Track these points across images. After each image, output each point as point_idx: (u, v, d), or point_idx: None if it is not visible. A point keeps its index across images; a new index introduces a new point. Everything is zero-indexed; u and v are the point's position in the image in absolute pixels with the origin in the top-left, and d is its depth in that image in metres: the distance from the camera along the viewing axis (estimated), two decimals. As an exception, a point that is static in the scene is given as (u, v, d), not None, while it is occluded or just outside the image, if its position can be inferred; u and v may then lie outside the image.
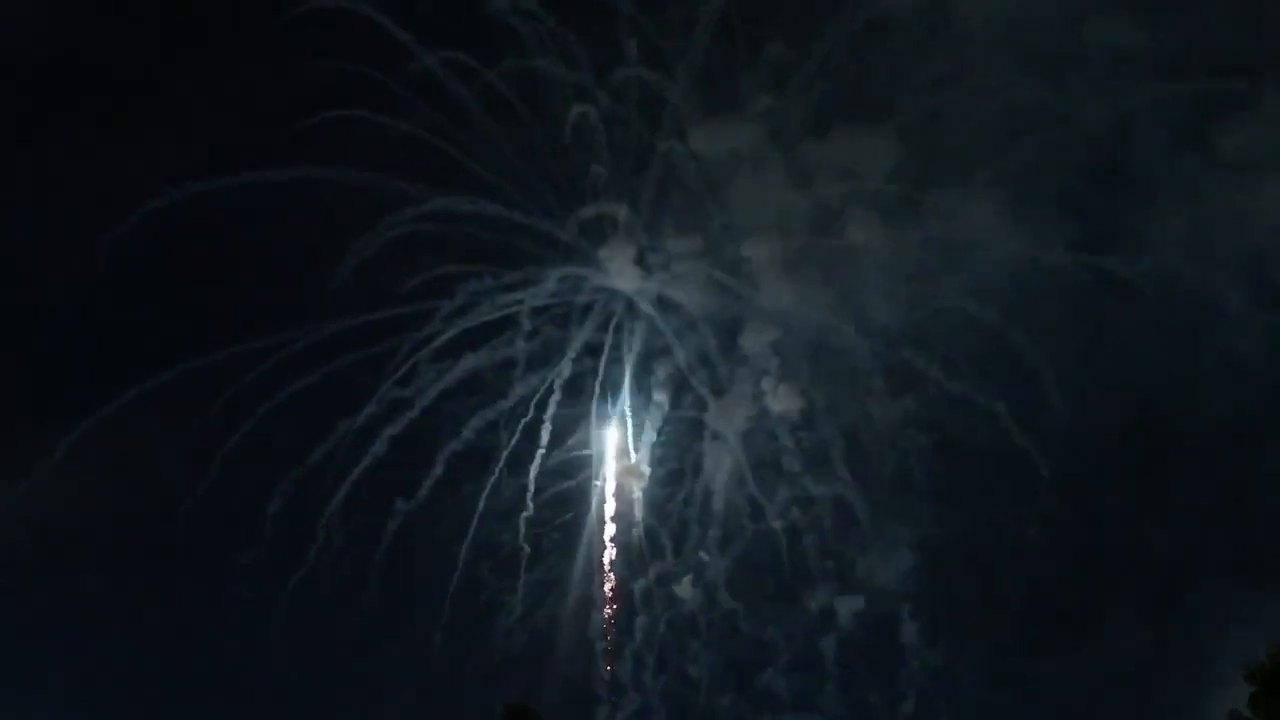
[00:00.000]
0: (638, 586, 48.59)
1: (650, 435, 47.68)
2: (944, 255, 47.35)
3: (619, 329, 47.89)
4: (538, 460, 47.58)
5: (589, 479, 48.45)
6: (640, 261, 47.31)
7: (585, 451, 48.32)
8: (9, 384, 46.28)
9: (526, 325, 46.95)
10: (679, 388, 48.09)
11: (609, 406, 47.78)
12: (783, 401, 47.41)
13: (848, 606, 48.89)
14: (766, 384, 47.44)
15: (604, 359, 47.75)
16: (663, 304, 47.93)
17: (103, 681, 47.67)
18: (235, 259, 45.86)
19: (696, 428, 48.47)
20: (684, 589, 48.37)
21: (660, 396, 47.59)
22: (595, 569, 48.73)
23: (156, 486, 46.61)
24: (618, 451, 47.98)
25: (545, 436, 47.49)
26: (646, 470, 47.92)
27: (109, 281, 44.82)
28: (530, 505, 47.73)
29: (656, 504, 48.70)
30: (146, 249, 45.12)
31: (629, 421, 47.85)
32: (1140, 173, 46.05)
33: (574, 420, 48.14)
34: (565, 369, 47.22)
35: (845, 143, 46.15)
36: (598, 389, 47.66)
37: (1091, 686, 48.47)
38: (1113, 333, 46.83)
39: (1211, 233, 45.05)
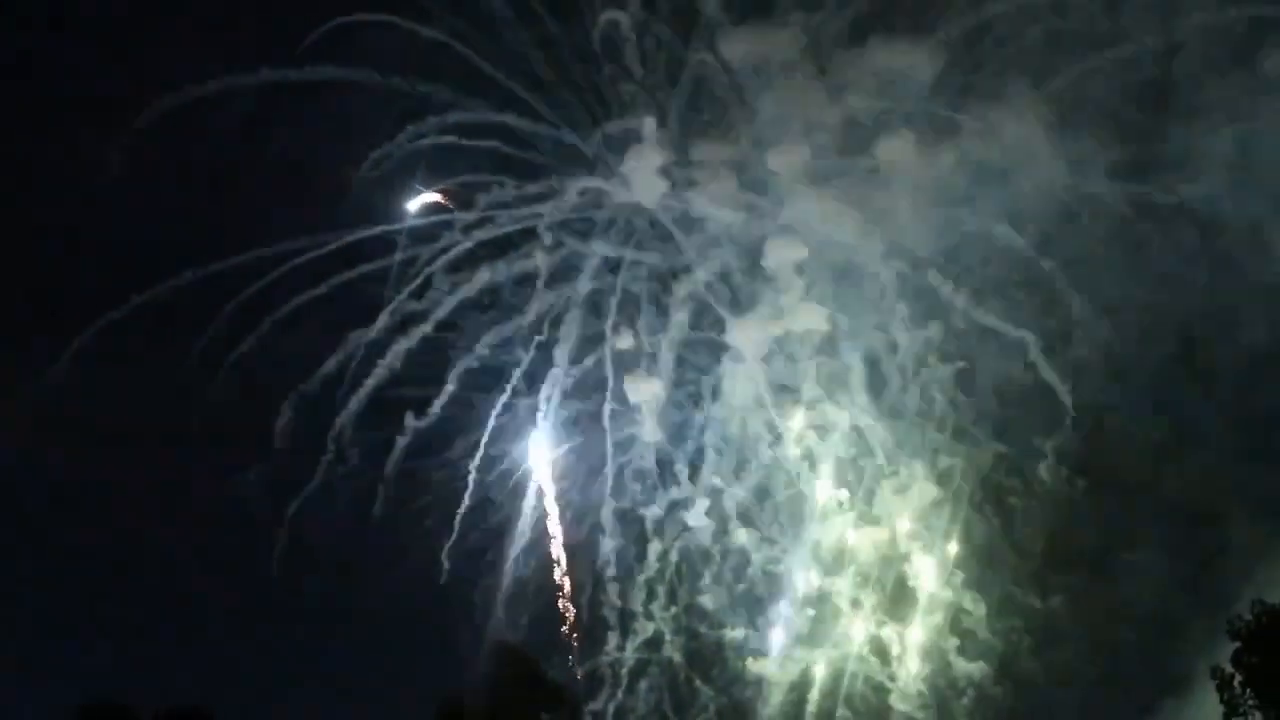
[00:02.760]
0: (649, 513, 47.67)
1: (668, 356, 46.35)
2: (978, 179, 45.67)
3: (640, 245, 46.51)
4: (552, 379, 46.57)
5: (603, 399, 47.31)
6: (665, 176, 45.57)
7: (602, 372, 47.13)
8: (15, 293, 45.18)
9: (546, 239, 45.70)
10: (699, 307, 46.82)
11: (627, 325, 46.32)
12: (804, 324, 46.06)
13: (862, 539, 48.15)
14: (788, 306, 45.98)
15: (623, 276, 46.41)
16: (686, 221, 46.50)
17: (104, 600, 47.17)
18: (250, 164, 44.38)
19: (716, 349, 47.34)
20: (697, 517, 47.49)
21: (680, 316, 46.29)
22: (606, 494, 47.79)
23: (163, 397, 45.77)
24: (635, 373, 46.52)
25: (562, 355, 46.40)
26: (663, 393, 46.66)
27: (121, 185, 43.43)
28: (543, 426, 47.01)
29: (672, 428, 47.72)
30: (160, 152, 43.87)
31: (646, 341, 46.40)
32: (1187, 96, 44.05)
33: (591, 339, 47.03)
34: (584, 285, 46.01)
35: (882, 57, 44.21)
36: (615, 307, 46.35)
37: (1108, 627, 47.73)
38: (1150, 262, 45.16)
39: (1258, 158, 43.18)
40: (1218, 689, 37.86)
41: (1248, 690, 37.87)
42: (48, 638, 46.82)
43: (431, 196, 45.38)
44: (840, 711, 47.76)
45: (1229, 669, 38.06)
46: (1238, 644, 37.87)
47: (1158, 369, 46.19)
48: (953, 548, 48.24)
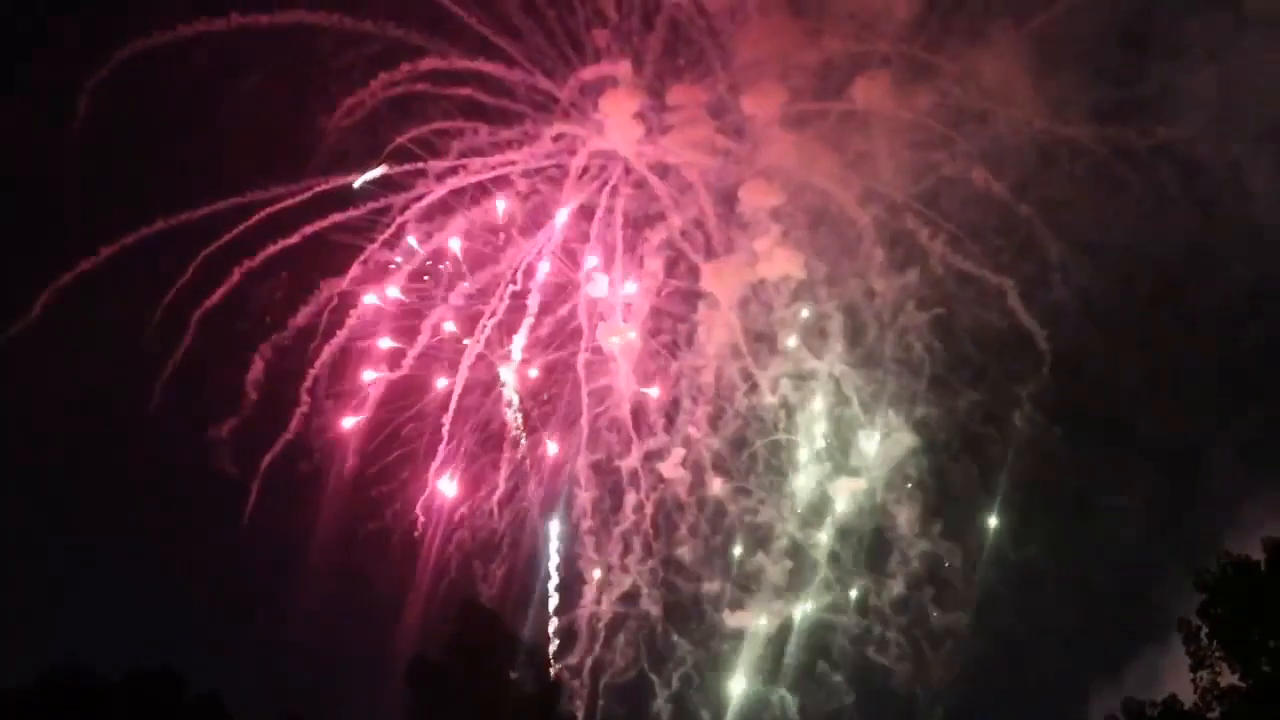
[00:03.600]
0: (624, 465, 47.32)
1: (643, 304, 45.89)
2: (956, 122, 45.18)
3: (614, 192, 45.99)
4: (525, 330, 46.13)
5: (577, 351, 46.89)
6: (640, 122, 44.94)
7: (575, 322, 46.67)
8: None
9: (519, 186, 45.19)
10: (674, 254, 46.34)
11: (601, 273, 45.81)
12: (781, 271, 45.59)
13: (840, 489, 47.84)
14: (764, 252, 45.48)
15: (597, 223, 45.87)
16: (660, 167, 45.92)
17: (69, 559, 46.63)
18: (220, 110, 43.56)
19: (691, 297, 46.91)
20: (672, 468, 47.13)
21: (654, 263, 45.80)
22: (581, 446, 47.41)
23: (132, 350, 45.10)
24: (609, 322, 46.05)
25: (534, 304, 45.93)
26: (638, 342, 46.24)
27: (87, 134, 42.75)
28: (516, 378, 46.60)
29: (646, 377, 47.33)
30: (127, 97, 43.07)
31: (621, 289, 45.92)
32: (1168, 35, 43.43)
33: (564, 288, 46.55)
34: (557, 233, 45.44)
35: (860, -4, 43.62)
36: (589, 255, 45.84)
37: (1087, 573, 47.54)
38: (1130, 205, 44.69)
39: (1239, 98, 42.64)
40: (1184, 641, 37.70)
41: (1214, 642, 37.74)
42: (11, 599, 45.27)
43: (378, 171, 44.39)
44: (819, 664, 47.74)
45: (1195, 621, 37.91)
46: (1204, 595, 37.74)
47: (1137, 312, 45.83)
48: (930, 497, 47.87)
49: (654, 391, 47.15)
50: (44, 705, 42.89)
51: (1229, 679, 36.36)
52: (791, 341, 46.69)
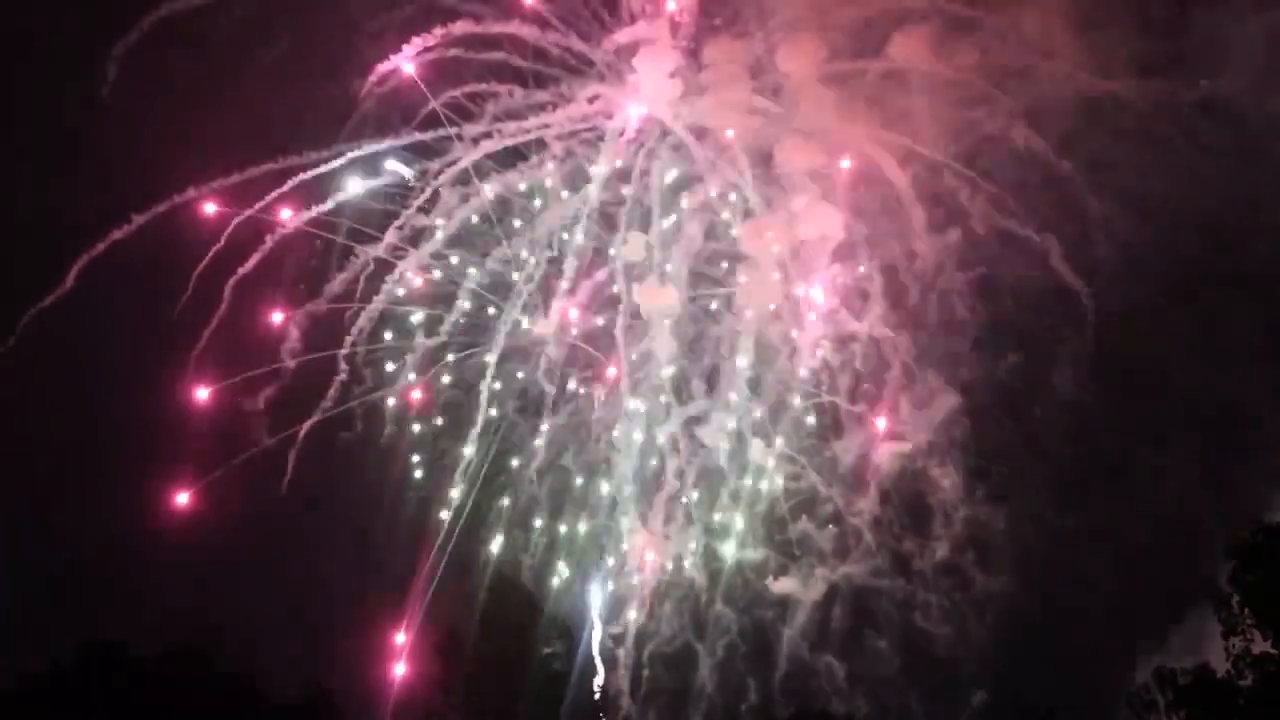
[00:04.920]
0: (664, 431, 46.69)
1: (681, 268, 45.26)
2: (997, 78, 44.64)
3: (651, 154, 45.30)
4: (562, 295, 45.52)
5: (615, 316, 46.25)
6: (677, 82, 44.29)
7: (613, 287, 46.05)
8: (15, 211, 43.70)
9: (555, 150, 44.56)
10: (712, 217, 45.67)
11: (639, 237, 45.17)
12: (819, 232, 44.97)
13: (883, 453, 47.27)
14: (804, 213, 44.88)
15: (634, 186, 45.19)
16: (697, 128, 45.26)
17: (103, 537, 45.54)
18: (253, 77, 42.89)
19: (730, 260, 46.33)
20: (713, 434, 46.52)
21: (693, 226, 45.14)
22: (621, 413, 46.77)
23: (166, 318, 44.53)
24: (648, 286, 45.42)
25: (571, 269, 45.29)
26: (677, 306, 45.59)
27: (116, 98, 42.15)
28: (554, 343, 45.98)
29: (687, 342, 46.77)
30: (157, 64, 42.45)
31: (659, 253, 45.29)
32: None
33: (602, 251, 45.94)
34: (593, 196, 44.81)
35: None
36: (625, 218, 45.20)
37: (1132, 536, 46.96)
38: (1175, 160, 43.97)
39: (1287, 46, 42.11)
40: (1215, 608, 37.36)
41: (1246, 610, 37.34)
42: (49, 575, 45.08)
43: (402, 168, 43.72)
44: (864, 630, 47.25)
45: (1227, 588, 37.52)
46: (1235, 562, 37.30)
47: (1181, 269, 45.21)
48: (973, 460, 47.28)
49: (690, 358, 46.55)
50: (80, 683, 42.73)
51: (1262, 646, 36.14)
52: (832, 303, 45.97)
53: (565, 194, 45.31)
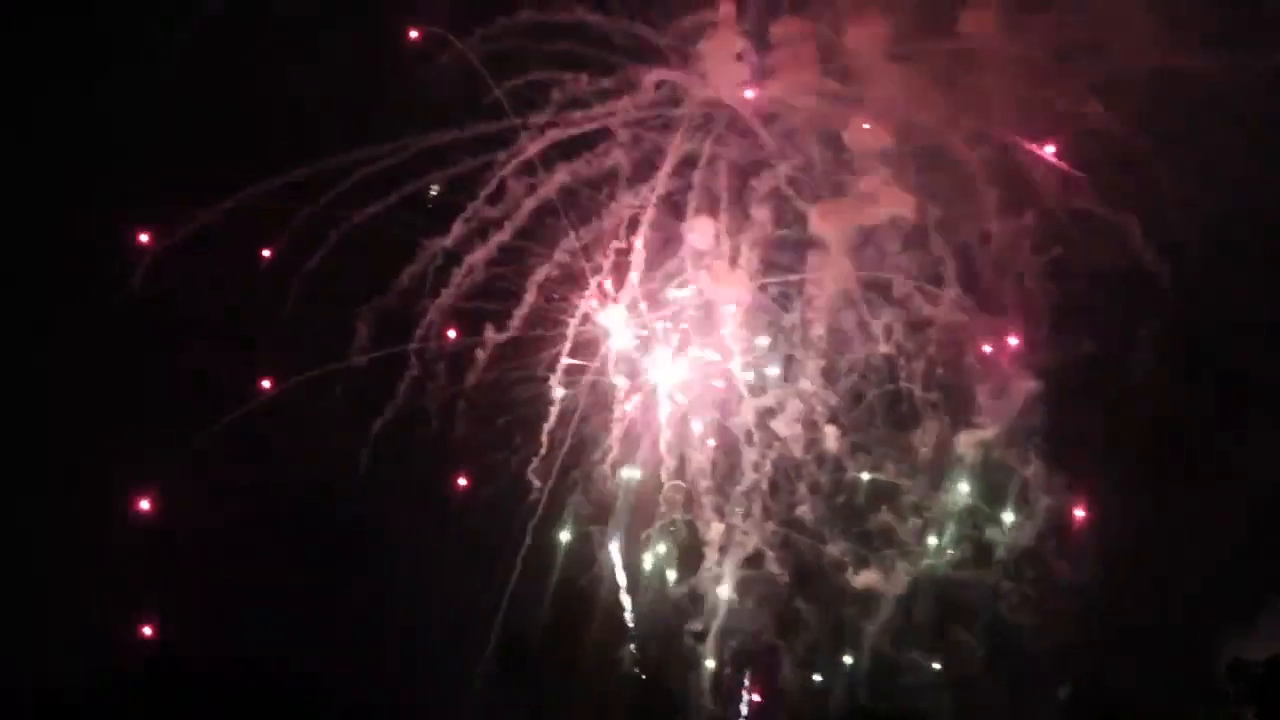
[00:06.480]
0: (737, 423, 45.70)
1: (751, 254, 44.43)
2: (1068, 54, 43.78)
3: (719, 140, 44.64)
4: (631, 284, 44.71)
5: (685, 306, 45.40)
6: (742, 65, 43.72)
7: (682, 275, 45.21)
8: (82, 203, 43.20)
9: (621, 137, 43.90)
10: (782, 202, 44.85)
11: (706, 223, 44.41)
12: (892, 215, 44.13)
13: (962, 441, 46.14)
14: (874, 196, 44.07)
15: (701, 172, 44.48)
16: (765, 113, 44.64)
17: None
18: (313, 65, 42.38)
19: (800, 247, 45.37)
20: (788, 424, 45.46)
21: (761, 212, 44.34)
22: (693, 403, 45.83)
23: (232, 314, 43.96)
24: (717, 273, 44.59)
25: (639, 259, 44.52)
26: (747, 294, 44.75)
27: (176, 87, 41.82)
28: (627, 332, 45.15)
29: (758, 330, 45.82)
30: (215, 55, 42.20)
31: (728, 240, 44.48)
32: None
33: (670, 241, 45.09)
34: (660, 184, 44.08)
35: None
36: (693, 205, 44.44)
37: (1217, 523, 45.62)
38: (1256, 135, 43.00)
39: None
40: None
41: None
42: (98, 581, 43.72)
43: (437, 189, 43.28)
44: (947, 624, 45.96)
45: None
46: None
47: (1265, 247, 44.13)
48: (1053, 446, 46.07)
49: (764, 342, 45.56)
50: (137, 689, 42.22)
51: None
52: (905, 288, 45.06)
53: (632, 182, 44.28)
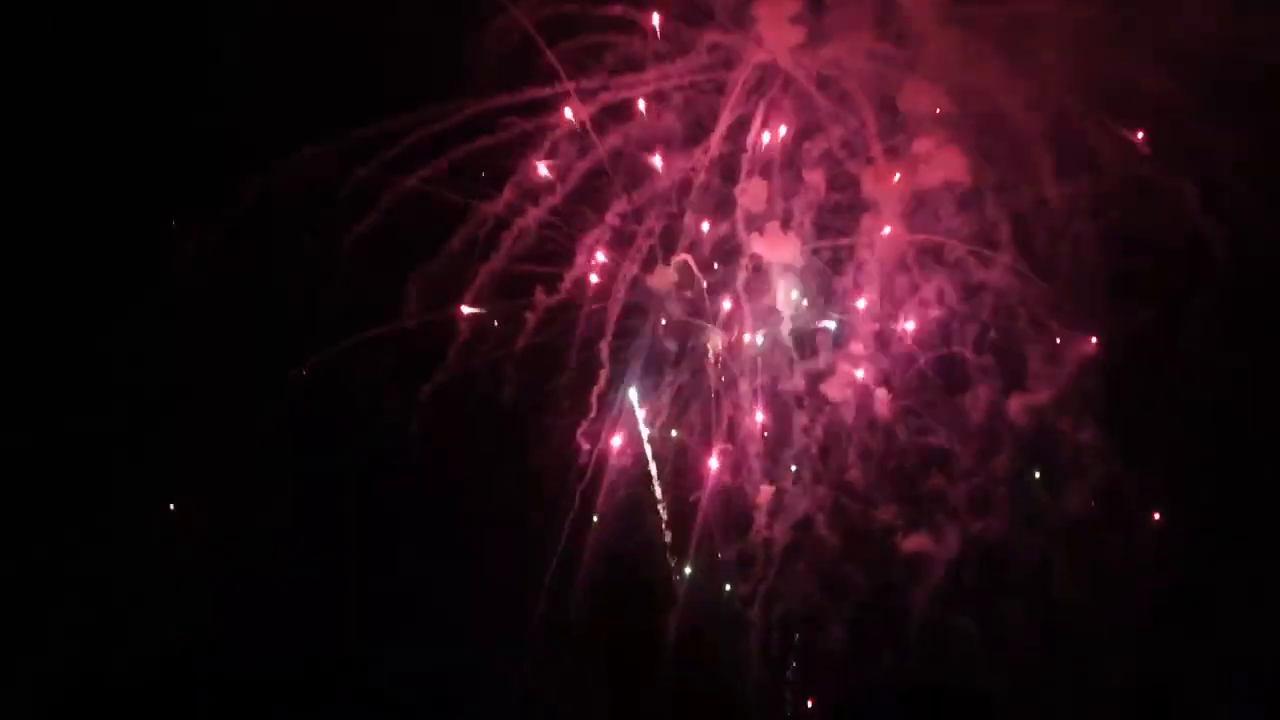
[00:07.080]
0: (789, 386, 45.55)
1: (803, 218, 44.15)
2: (1130, 18, 42.96)
3: (772, 103, 44.28)
4: (683, 248, 44.59)
5: (735, 270, 45.22)
6: (796, 28, 43.21)
7: (735, 240, 45.01)
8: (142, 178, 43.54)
9: (674, 100, 43.69)
10: (834, 166, 44.48)
11: (759, 186, 44.13)
12: (944, 177, 43.64)
13: (1015, 406, 45.62)
14: (929, 159, 43.60)
15: (754, 135, 44.18)
16: (820, 76, 44.21)
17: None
18: (363, 35, 42.53)
19: (853, 210, 45.05)
20: (837, 389, 45.20)
21: (814, 175, 44.01)
22: (744, 368, 45.68)
23: (278, 278, 44.17)
24: (770, 238, 44.30)
25: (691, 222, 44.39)
26: (800, 258, 44.46)
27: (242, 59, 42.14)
28: (675, 297, 45.02)
29: (810, 294, 45.59)
30: (275, 26, 42.47)
31: (780, 203, 44.20)
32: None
33: (723, 203, 44.88)
34: (714, 147, 43.86)
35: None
36: (746, 168, 44.16)
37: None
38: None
39: None
40: None
41: None
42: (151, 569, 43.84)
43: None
44: (998, 593, 45.48)
45: None
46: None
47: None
48: (1108, 416, 45.46)
49: (816, 305, 45.35)
50: (184, 679, 42.18)
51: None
52: (958, 252, 44.63)
53: (685, 145, 44.08)
